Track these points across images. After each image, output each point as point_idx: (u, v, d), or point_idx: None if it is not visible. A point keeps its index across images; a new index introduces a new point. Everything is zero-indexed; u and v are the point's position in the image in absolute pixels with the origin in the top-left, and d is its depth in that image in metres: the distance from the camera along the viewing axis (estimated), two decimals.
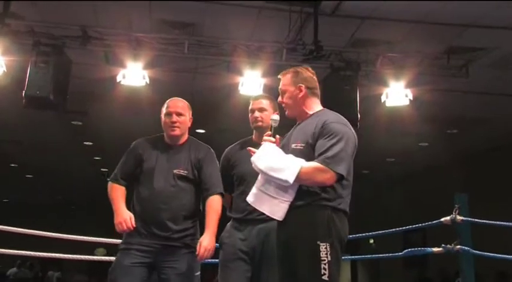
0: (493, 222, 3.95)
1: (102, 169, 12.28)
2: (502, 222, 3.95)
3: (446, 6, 4.91)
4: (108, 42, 5.23)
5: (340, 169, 2.32)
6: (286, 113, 2.64)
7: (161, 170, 2.93)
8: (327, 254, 2.28)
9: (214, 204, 2.89)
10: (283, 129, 2.65)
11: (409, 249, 4.27)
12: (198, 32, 5.58)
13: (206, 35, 5.54)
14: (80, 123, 8.98)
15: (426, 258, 10.18)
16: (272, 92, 4.37)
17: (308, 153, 2.40)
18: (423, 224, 4.32)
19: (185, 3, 4.99)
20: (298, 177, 2.32)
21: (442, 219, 3.96)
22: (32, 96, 4.87)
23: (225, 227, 3.06)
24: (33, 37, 4.99)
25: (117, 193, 2.96)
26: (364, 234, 4.69)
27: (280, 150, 2.46)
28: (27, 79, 4.87)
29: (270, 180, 2.42)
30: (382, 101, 5.82)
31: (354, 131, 2.50)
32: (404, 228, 4.41)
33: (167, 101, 3.07)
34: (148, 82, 5.57)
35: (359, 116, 5.11)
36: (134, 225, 2.82)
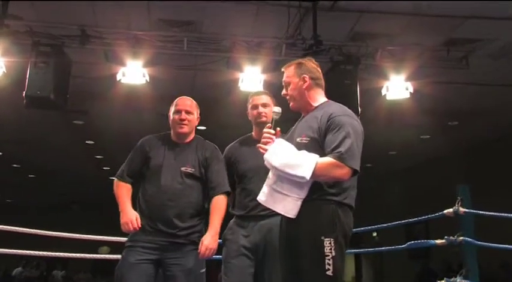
0: (495, 213, 3.95)
1: (104, 168, 12.31)
2: (504, 214, 3.95)
3: None
4: (107, 40, 5.22)
5: (355, 164, 2.30)
6: (290, 105, 2.60)
7: (168, 167, 2.94)
8: (331, 249, 2.26)
9: (219, 203, 2.90)
10: (281, 125, 2.63)
11: (412, 242, 4.28)
12: (197, 29, 5.58)
13: (205, 32, 5.54)
14: (81, 122, 8.99)
15: (429, 251, 10.20)
16: (272, 88, 4.38)
17: (313, 147, 2.36)
18: (426, 217, 4.32)
19: (184, 2, 4.99)
20: (314, 173, 2.27)
21: (445, 211, 3.97)
22: (33, 96, 4.86)
23: (228, 224, 3.08)
24: (32, 37, 4.98)
25: (123, 191, 2.97)
26: (367, 228, 4.70)
27: (292, 146, 2.40)
28: (27, 79, 4.87)
29: (282, 177, 2.37)
30: (383, 94, 5.81)
31: (359, 121, 2.46)
32: (407, 220, 4.42)
33: (176, 99, 3.09)
34: (148, 80, 5.57)
35: (360, 110, 5.10)
36: (140, 226, 2.83)
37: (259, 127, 3.07)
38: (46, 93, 4.87)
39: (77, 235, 4.30)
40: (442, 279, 3.96)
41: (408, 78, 5.71)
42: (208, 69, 5.94)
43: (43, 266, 16.24)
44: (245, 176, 3.02)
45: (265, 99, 3.14)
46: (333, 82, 5.09)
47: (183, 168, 2.94)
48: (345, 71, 5.22)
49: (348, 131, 2.33)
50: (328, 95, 2.65)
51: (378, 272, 14.15)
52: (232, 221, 3.08)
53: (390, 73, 5.68)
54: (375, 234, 13.16)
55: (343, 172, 2.27)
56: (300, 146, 2.39)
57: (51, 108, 5.29)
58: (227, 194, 2.96)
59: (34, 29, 5.04)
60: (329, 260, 2.26)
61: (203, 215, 2.99)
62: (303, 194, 2.34)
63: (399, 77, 5.68)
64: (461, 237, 3.82)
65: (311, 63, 2.60)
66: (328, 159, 2.29)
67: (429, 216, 4.22)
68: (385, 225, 4.70)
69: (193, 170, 2.95)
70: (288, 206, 2.35)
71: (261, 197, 2.46)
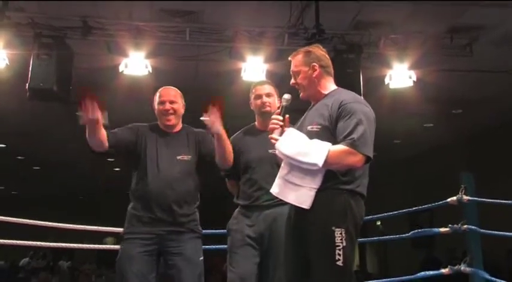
0: (499, 201, 3.94)
1: (108, 159, 12.32)
2: (508, 201, 3.95)
3: None
4: (109, 32, 5.21)
5: (368, 151, 2.28)
6: (300, 95, 2.55)
7: (164, 156, 2.95)
8: (342, 239, 2.24)
9: None
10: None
11: (416, 230, 4.29)
12: (199, 19, 5.55)
13: (207, 22, 5.51)
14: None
15: (433, 239, 10.20)
16: (275, 78, 4.36)
17: (325, 135, 2.33)
18: (430, 205, 4.32)
19: None
20: (326, 161, 2.23)
21: (449, 200, 3.97)
22: (36, 88, 4.87)
23: (233, 214, 3.09)
24: (34, 29, 4.98)
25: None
26: (371, 217, 4.70)
27: (304, 135, 2.36)
28: (30, 71, 4.88)
29: (295, 167, 2.33)
30: (386, 83, 5.79)
31: (370, 108, 2.44)
32: (411, 209, 4.42)
33: (159, 89, 3.10)
34: (150, 71, 5.56)
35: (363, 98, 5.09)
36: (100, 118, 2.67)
37: (263, 117, 3.07)
38: (49, 85, 4.87)
39: (82, 226, 4.32)
40: (446, 267, 3.97)
41: (411, 67, 5.68)
42: (210, 59, 5.92)
43: (49, 256, 16.36)
44: (249, 166, 3.02)
45: (269, 88, 3.13)
46: (335, 71, 5.06)
47: (179, 157, 2.96)
48: (348, 60, 5.19)
49: (359, 118, 2.30)
50: None
51: (382, 261, 14.19)
52: (236, 210, 3.09)
53: (393, 61, 5.65)
54: (379, 222, 13.17)
55: (356, 159, 2.26)
56: (311, 135, 2.35)
57: (54, 99, 5.28)
58: None
59: (36, 20, 5.03)
60: (339, 250, 2.23)
61: (198, 203, 3.02)
62: (316, 184, 2.30)
63: (402, 66, 5.65)
64: (465, 225, 3.82)
65: (320, 51, 2.55)
66: (340, 147, 2.26)
67: (433, 204, 4.22)
68: (389, 213, 4.70)
69: (189, 156, 2.98)
70: (302, 197, 2.31)
71: (275, 189, 2.42)
